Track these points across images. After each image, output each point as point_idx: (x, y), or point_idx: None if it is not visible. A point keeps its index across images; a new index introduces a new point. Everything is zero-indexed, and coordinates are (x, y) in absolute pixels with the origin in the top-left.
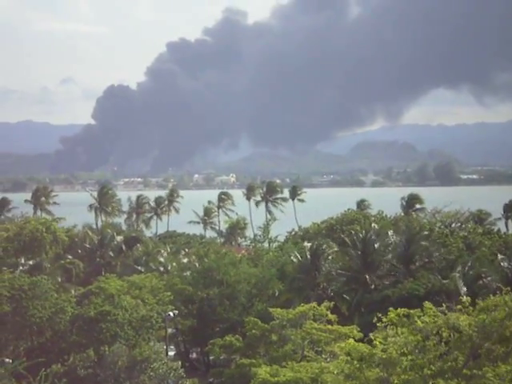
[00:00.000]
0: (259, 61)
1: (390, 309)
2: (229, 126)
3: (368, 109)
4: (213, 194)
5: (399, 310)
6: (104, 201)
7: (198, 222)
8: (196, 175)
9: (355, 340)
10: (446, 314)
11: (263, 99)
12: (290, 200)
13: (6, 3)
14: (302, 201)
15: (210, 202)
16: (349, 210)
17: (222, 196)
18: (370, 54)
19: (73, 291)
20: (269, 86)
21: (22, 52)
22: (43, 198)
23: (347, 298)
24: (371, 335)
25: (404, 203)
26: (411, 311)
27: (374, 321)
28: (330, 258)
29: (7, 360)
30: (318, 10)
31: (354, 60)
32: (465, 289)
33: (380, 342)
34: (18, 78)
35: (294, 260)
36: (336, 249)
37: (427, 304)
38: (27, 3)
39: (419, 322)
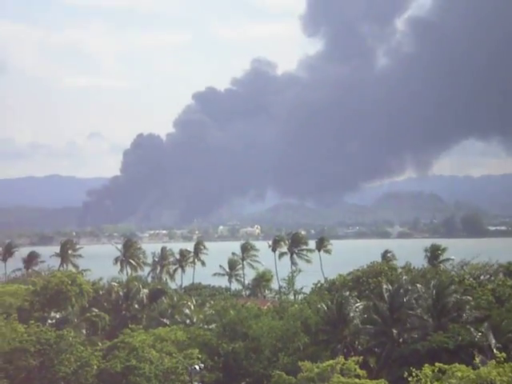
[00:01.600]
0: (287, 111)
1: (426, 365)
2: (256, 177)
3: (396, 159)
4: (237, 246)
5: (436, 364)
6: (129, 253)
7: (223, 274)
8: (221, 227)
9: None
10: (478, 369)
11: (290, 150)
12: (316, 251)
13: (36, 60)
14: (328, 252)
15: (234, 254)
16: (374, 261)
17: (247, 247)
18: (398, 104)
19: (99, 344)
20: (296, 137)
21: (51, 107)
22: (69, 251)
23: (376, 351)
24: None
25: (428, 254)
26: (446, 366)
27: (404, 375)
28: (357, 310)
29: None
30: (344, 60)
31: (383, 110)
32: (494, 342)
33: None
34: (46, 132)
35: (320, 312)
36: (363, 301)
37: (462, 366)
38: (56, 59)
39: (451, 380)
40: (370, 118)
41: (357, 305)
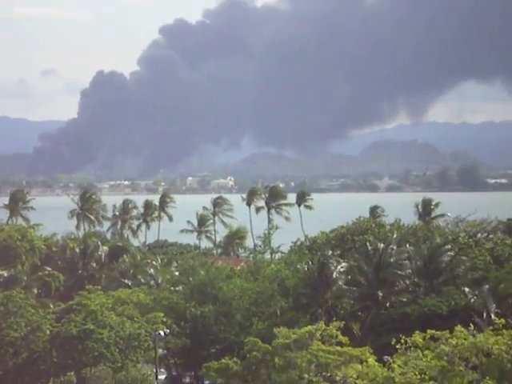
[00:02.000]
0: (266, 49)
1: (417, 332)
2: (230, 122)
3: (388, 104)
4: (208, 199)
5: (428, 331)
6: (87, 206)
7: (192, 231)
8: (190, 178)
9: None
10: (474, 336)
11: (269, 93)
12: (296, 206)
13: None
14: (309, 207)
15: (204, 208)
16: (361, 217)
17: (218, 201)
18: (391, 43)
19: (51, 307)
20: (276, 78)
21: None
22: (20, 203)
23: (360, 316)
24: (388, 358)
25: (420, 209)
26: (439, 333)
27: (392, 342)
28: (340, 271)
29: None
30: None
31: (374, 49)
32: (493, 306)
33: (399, 366)
34: None
35: (300, 274)
36: (347, 261)
37: (458, 328)
38: None
39: (444, 346)
40: (360, 58)
41: (340, 265)
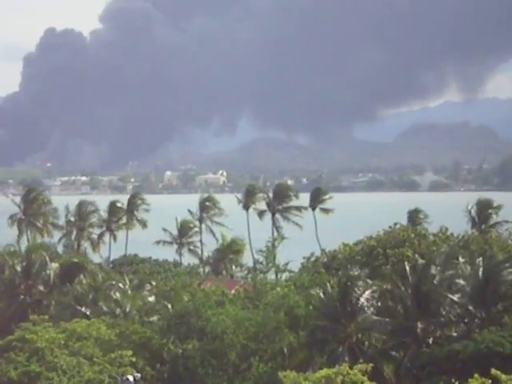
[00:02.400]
0: (271, 4)
1: (475, 376)
2: (224, 98)
3: (433, 75)
4: (192, 200)
5: (492, 372)
6: (31, 210)
7: (171, 243)
8: (168, 172)
9: None
10: None
11: (276, 60)
12: (310, 210)
13: None
14: (326, 211)
15: (189, 213)
16: (396, 225)
17: (206, 203)
18: None
19: None
20: (284, 42)
21: None
22: None
23: (394, 355)
24: None
25: (474, 214)
26: (505, 377)
27: None
28: (368, 296)
29: None
30: None
31: (414, 7)
32: None
33: None
34: None
35: (314, 300)
36: (377, 284)
37: None
38: None
39: None
40: (396, 15)
41: (369, 289)
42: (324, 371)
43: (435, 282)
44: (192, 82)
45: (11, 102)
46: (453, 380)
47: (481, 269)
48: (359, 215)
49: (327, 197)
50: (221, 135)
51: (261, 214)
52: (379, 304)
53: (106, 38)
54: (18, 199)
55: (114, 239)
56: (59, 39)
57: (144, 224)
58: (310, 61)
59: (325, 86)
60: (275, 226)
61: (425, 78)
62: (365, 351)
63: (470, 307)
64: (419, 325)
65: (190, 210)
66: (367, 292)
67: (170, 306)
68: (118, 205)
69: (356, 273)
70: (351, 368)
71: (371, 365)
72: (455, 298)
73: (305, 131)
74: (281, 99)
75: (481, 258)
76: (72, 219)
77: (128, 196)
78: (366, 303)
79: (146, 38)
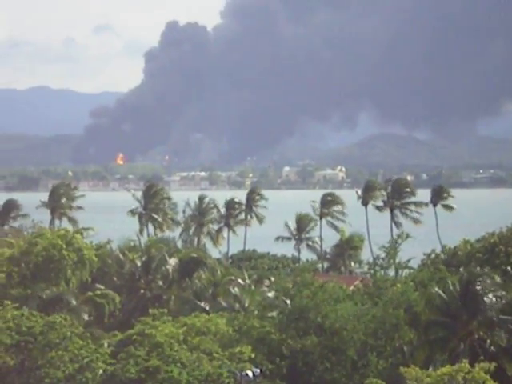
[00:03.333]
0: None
1: None
2: (345, 93)
3: None
4: (311, 196)
5: None
6: (152, 205)
7: (290, 238)
8: (287, 168)
9: None
10: None
11: (398, 54)
12: (431, 206)
13: None
14: (448, 208)
15: (314, 209)
16: None
17: (328, 198)
18: None
19: (106, 338)
20: (407, 36)
21: None
22: (64, 200)
23: None
24: None
25: None
26: None
27: None
28: (490, 294)
29: None
30: None
31: None
32: None
33: None
34: (31, 26)
35: (435, 297)
36: (501, 280)
37: None
38: None
39: None
40: None
41: (492, 286)
42: (445, 368)
43: None
44: (312, 78)
45: (134, 96)
46: None
47: None
48: (481, 212)
49: (448, 193)
50: (340, 130)
51: (380, 209)
52: (503, 302)
53: (228, 33)
54: (138, 194)
55: (234, 233)
56: (182, 33)
57: (261, 220)
58: (432, 55)
59: (447, 80)
60: (394, 221)
61: None
62: (487, 349)
63: None
64: None
65: (313, 203)
66: (490, 289)
67: (288, 301)
68: (236, 200)
69: (478, 269)
70: (473, 366)
71: (494, 364)
72: None
73: (425, 127)
74: (401, 94)
75: None
76: (191, 214)
77: (246, 192)
78: (488, 300)
79: (268, 32)
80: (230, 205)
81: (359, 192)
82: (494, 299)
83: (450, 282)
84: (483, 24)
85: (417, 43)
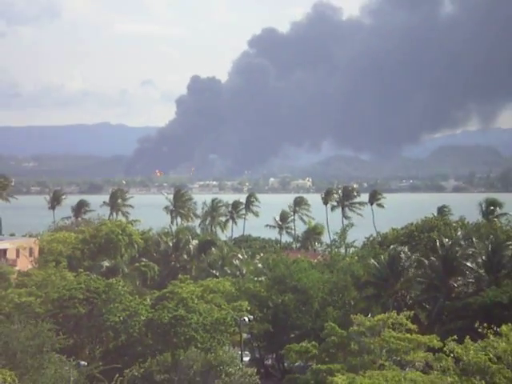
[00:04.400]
0: (350, 60)
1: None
2: (314, 127)
3: (461, 111)
4: (288, 199)
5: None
6: (179, 204)
7: (274, 227)
8: (272, 179)
9: (435, 349)
10: None
11: (352, 101)
12: (369, 205)
13: (87, 6)
14: (380, 206)
15: (290, 207)
16: (428, 216)
17: (298, 200)
18: (465, 53)
19: (148, 295)
20: (358, 87)
21: (102, 55)
22: (119, 201)
23: (427, 306)
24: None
25: (484, 209)
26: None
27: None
28: (409, 264)
29: (83, 363)
30: (410, 8)
31: (449, 60)
32: None
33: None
34: (97, 80)
35: (371, 266)
36: (416, 255)
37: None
38: (107, 5)
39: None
40: (437, 68)
41: (410, 258)
42: (380, 316)
43: (457, 254)
44: (292, 115)
45: (169, 129)
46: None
47: (489, 245)
48: (403, 209)
49: (381, 196)
50: (310, 151)
51: (334, 207)
52: (417, 271)
53: (235, 85)
54: (170, 197)
55: (236, 224)
56: (203, 84)
57: (256, 214)
58: (375, 100)
59: (385, 118)
60: (345, 216)
61: (455, 113)
62: (406, 302)
63: (482, 272)
64: (446, 284)
65: (290, 205)
66: (408, 260)
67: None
68: (240, 201)
69: (400, 248)
70: (398, 314)
71: (412, 312)
72: (471, 266)
73: (368, 150)
74: (353, 127)
75: (488, 239)
76: (207, 210)
77: (244, 195)
78: (407, 269)
79: (263, 84)
80: (236, 204)
81: (322, 195)
82: (411, 269)
83: (382, 257)
84: (411, 80)
85: (366, 93)
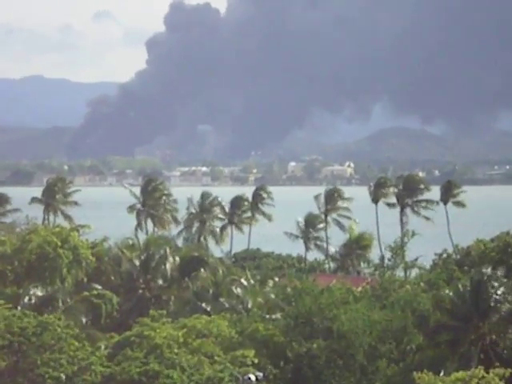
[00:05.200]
0: None
1: None
2: (360, 83)
3: None
4: (317, 193)
5: None
6: (151, 201)
7: (296, 236)
8: (292, 163)
9: None
10: None
11: (417, 42)
12: (441, 204)
13: None
14: (460, 205)
15: (320, 206)
16: None
17: (333, 195)
18: None
19: (103, 340)
20: (426, 22)
21: None
22: (59, 195)
23: None
24: None
25: None
26: None
27: None
28: (503, 296)
29: None
30: None
31: None
32: None
33: None
34: (26, 11)
35: (445, 298)
36: None
37: None
38: None
39: None
40: None
41: (505, 287)
42: (459, 374)
43: None
44: (327, 66)
45: (134, 86)
46: None
47: None
48: (495, 209)
49: (460, 190)
50: (352, 122)
51: (389, 207)
52: None
53: (240, 16)
54: (137, 190)
55: (240, 231)
56: (188, 15)
57: (269, 217)
58: (451, 46)
59: (468, 72)
60: (402, 220)
61: None
62: (500, 354)
63: None
64: None
65: (316, 195)
66: (503, 291)
67: (293, 303)
68: (242, 197)
69: (489, 270)
70: (486, 371)
71: (510, 370)
72: None
73: (441, 120)
74: (419, 86)
75: None
76: (193, 211)
77: (250, 187)
78: (501, 303)
79: (282, 18)
80: (236, 202)
81: (370, 188)
82: (507, 302)
83: (461, 284)
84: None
85: (438, 29)
